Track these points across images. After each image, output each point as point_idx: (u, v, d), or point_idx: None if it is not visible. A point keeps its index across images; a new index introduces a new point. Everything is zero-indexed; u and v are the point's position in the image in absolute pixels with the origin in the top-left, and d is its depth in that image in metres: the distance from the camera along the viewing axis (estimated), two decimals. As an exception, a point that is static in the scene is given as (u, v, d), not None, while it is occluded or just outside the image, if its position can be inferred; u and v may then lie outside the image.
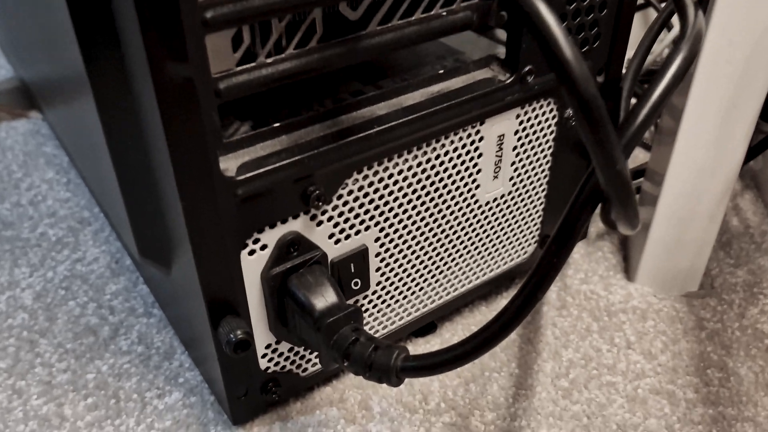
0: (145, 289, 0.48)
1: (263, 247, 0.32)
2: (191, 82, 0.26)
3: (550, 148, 0.42)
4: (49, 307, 0.47)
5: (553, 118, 0.41)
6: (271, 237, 0.32)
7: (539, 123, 0.40)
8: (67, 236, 0.53)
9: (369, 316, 0.40)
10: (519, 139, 0.40)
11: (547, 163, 0.42)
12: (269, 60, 0.30)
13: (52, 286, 0.49)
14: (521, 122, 0.39)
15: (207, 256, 0.31)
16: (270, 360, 0.37)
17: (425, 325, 0.45)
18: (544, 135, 0.41)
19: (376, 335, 0.41)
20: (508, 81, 0.37)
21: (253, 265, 0.33)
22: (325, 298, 0.32)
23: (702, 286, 0.49)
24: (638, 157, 0.63)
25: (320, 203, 0.32)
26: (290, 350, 0.38)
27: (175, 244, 0.32)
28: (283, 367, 0.38)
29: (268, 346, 0.36)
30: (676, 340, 0.45)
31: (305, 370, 0.39)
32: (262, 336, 0.36)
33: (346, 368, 0.31)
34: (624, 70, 0.43)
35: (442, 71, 0.36)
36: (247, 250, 0.32)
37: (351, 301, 0.38)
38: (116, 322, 0.45)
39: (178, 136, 0.27)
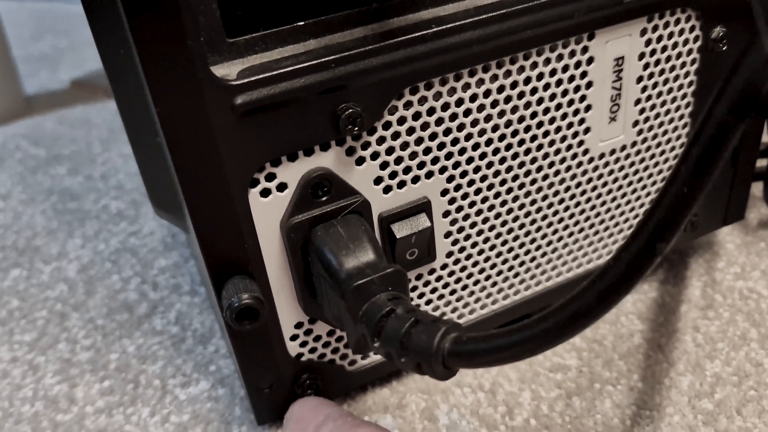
0: (195, 266, 0.42)
1: (281, 187, 0.25)
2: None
3: (690, 84, 0.31)
4: (92, 280, 0.42)
5: (695, 40, 0.30)
6: (291, 173, 0.24)
7: (675, 46, 0.30)
8: (128, 209, 0.49)
9: (438, 297, 0.31)
10: (646, 66, 0.29)
11: (687, 105, 0.32)
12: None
13: (100, 259, 0.43)
14: (648, 41, 0.29)
15: (201, 191, 0.23)
16: (303, 344, 0.29)
17: (518, 319, 0.35)
18: (683, 64, 0.30)
19: (450, 326, 0.32)
20: (629, -24, 0.27)
21: (267, 209, 0.25)
22: (357, 256, 0.24)
23: None
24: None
25: (356, 128, 0.24)
26: (330, 333, 0.29)
27: (174, 181, 0.25)
28: (322, 355, 0.30)
29: (298, 325, 0.28)
30: None
31: (353, 362, 0.31)
32: (289, 310, 0.27)
33: (377, 350, 0.22)
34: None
35: (535, -35, 0.27)
36: (259, 188, 0.24)
37: (409, 274, 0.29)
38: (156, 300, 0.39)
39: (143, 21, 0.20)
